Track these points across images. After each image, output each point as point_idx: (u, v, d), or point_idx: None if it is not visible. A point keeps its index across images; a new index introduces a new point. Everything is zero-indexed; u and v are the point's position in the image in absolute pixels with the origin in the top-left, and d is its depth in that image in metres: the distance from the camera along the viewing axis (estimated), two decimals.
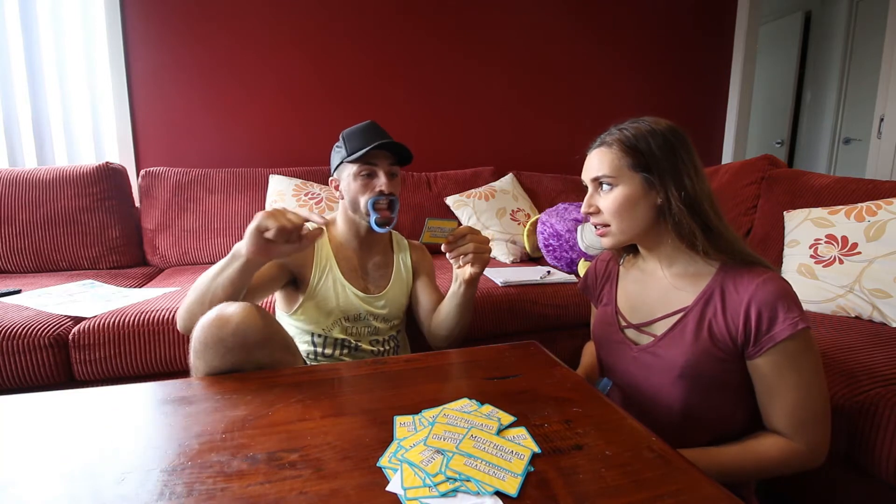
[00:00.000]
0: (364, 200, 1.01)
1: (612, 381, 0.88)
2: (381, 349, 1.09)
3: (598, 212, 0.80)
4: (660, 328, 0.79)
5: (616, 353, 0.85)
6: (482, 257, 0.92)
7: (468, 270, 0.93)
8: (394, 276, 1.13)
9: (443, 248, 0.92)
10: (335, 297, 1.04)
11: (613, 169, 0.76)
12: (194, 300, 0.86)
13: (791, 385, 0.68)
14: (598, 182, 0.79)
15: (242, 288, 0.86)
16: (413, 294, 1.16)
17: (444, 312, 1.03)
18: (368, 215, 1.01)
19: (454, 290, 0.99)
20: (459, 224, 0.91)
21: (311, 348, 1.04)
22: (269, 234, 0.78)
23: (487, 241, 0.93)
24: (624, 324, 0.85)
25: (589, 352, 1.06)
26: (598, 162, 0.78)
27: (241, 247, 0.82)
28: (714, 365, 0.72)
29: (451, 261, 0.94)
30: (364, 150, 0.99)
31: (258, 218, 0.79)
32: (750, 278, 0.70)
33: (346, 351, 1.04)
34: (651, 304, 0.82)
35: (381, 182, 1.01)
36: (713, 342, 0.72)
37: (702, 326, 0.73)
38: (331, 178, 1.12)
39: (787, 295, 0.68)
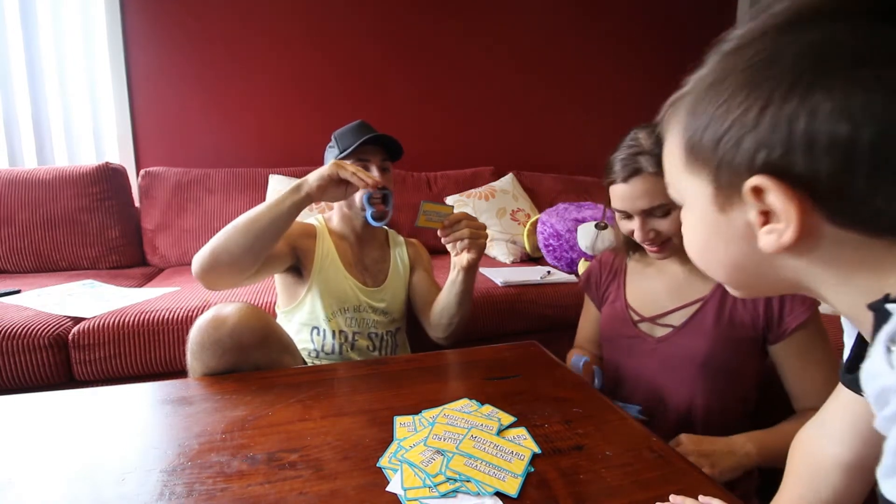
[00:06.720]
0: (359, 196, 1.02)
1: (621, 375, 0.87)
2: (378, 344, 1.09)
3: None
4: (677, 319, 0.80)
5: (630, 347, 0.85)
6: (478, 243, 0.91)
7: (465, 257, 0.92)
8: (391, 271, 1.15)
9: (438, 233, 0.92)
10: (336, 287, 1.05)
11: None
12: (236, 234, 0.85)
13: (820, 360, 0.72)
14: None
15: (284, 231, 0.90)
16: (411, 288, 1.17)
17: (443, 302, 1.03)
18: (364, 210, 1.03)
19: (452, 279, 0.98)
20: (454, 210, 0.91)
21: (311, 346, 1.05)
22: (345, 175, 0.87)
23: (484, 227, 0.93)
24: (637, 318, 0.85)
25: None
26: None
27: (308, 183, 0.87)
28: (732, 353, 0.74)
29: (448, 247, 0.94)
30: (355, 145, 1.01)
31: (331, 168, 0.87)
32: None
33: (343, 347, 1.05)
34: (664, 296, 0.82)
35: (375, 176, 1.02)
36: (733, 329, 0.74)
37: (722, 314, 0.75)
38: None
39: None
